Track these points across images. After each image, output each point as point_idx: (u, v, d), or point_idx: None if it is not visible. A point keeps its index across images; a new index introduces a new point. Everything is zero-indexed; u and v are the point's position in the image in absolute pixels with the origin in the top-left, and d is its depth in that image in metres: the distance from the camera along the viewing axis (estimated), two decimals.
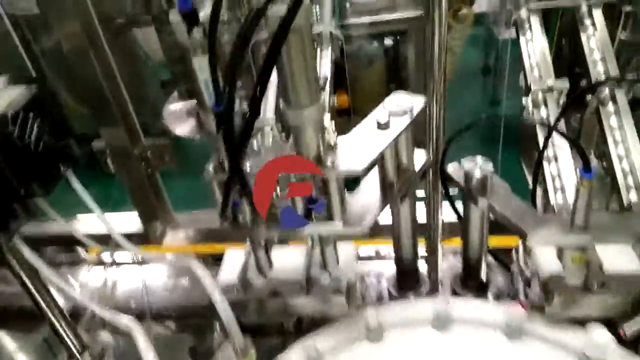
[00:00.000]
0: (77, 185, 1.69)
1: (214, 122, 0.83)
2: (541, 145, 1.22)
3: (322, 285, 1.06)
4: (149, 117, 2.13)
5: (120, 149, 1.76)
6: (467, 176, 0.99)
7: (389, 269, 1.67)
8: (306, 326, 1.14)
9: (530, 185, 1.58)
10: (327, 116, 0.85)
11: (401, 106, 0.91)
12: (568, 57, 1.57)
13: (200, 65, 0.75)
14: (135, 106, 1.78)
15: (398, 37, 2.61)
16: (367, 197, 0.96)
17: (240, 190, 0.71)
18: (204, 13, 0.72)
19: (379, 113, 0.90)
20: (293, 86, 0.75)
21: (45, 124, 1.61)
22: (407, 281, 1.26)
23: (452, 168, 1.03)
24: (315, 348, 0.96)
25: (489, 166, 0.98)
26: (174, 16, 0.71)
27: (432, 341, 0.99)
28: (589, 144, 1.49)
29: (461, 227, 1.12)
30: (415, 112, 0.92)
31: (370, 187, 0.98)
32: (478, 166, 0.99)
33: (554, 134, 1.21)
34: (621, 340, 0.89)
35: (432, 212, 1.15)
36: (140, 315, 1.90)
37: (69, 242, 2.02)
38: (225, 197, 0.79)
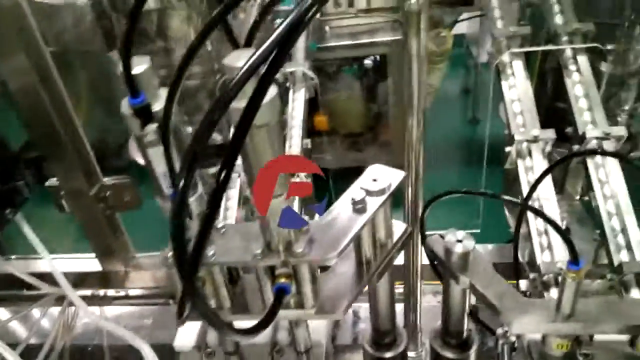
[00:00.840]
0: (25, 228, 1.64)
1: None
2: (525, 195, 1.22)
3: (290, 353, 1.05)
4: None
5: (75, 190, 1.70)
6: (447, 251, 0.98)
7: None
8: None
9: (511, 228, 1.59)
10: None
11: (378, 183, 0.89)
12: (547, 99, 1.59)
13: (156, 156, 0.72)
14: (106, 130, 1.74)
15: (378, 59, 2.61)
16: (341, 279, 0.94)
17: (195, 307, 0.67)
18: (159, 106, 0.68)
19: (354, 192, 0.88)
20: None
21: None
22: (383, 338, 1.25)
23: (432, 240, 1.02)
24: None
25: (471, 242, 0.97)
26: (126, 109, 0.68)
27: None
28: (574, 190, 1.50)
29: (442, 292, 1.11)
30: (393, 188, 0.90)
31: (345, 266, 0.96)
32: (459, 241, 0.98)
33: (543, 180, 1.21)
34: None
35: (412, 277, 1.14)
36: (99, 356, 1.87)
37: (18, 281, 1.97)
38: (180, 307, 0.76)
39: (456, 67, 4.22)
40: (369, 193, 0.89)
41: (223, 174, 0.60)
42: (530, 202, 1.27)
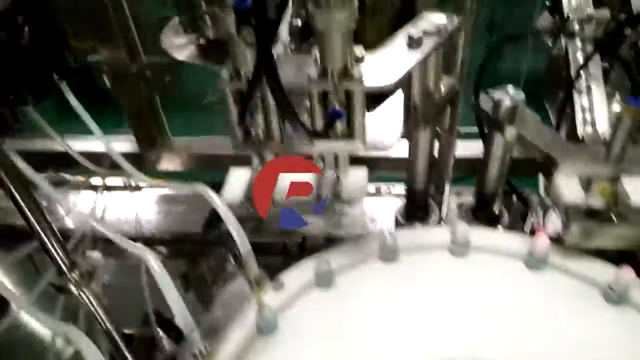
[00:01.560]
0: (72, 98, 1.63)
1: (233, 23, 0.79)
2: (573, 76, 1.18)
3: (332, 206, 1.06)
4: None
5: (118, 65, 1.70)
6: (496, 104, 0.97)
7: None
8: (309, 247, 1.14)
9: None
10: None
11: (434, 24, 0.87)
12: None
13: None
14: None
15: None
16: (389, 118, 0.94)
17: (272, 84, 0.68)
18: None
19: (411, 30, 0.86)
20: None
21: (38, 27, 1.54)
22: (415, 211, 1.27)
23: (481, 98, 1.01)
24: (326, 263, 0.96)
25: (520, 95, 0.95)
26: None
27: (448, 265, 0.99)
28: (620, 83, 1.45)
29: (482, 156, 1.11)
30: (449, 31, 0.89)
31: (393, 109, 0.96)
32: (508, 95, 0.97)
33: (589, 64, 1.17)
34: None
35: (447, 142, 1.13)
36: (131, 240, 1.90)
37: (58, 162, 1.99)
38: (250, 91, 0.75)
39: None
40: (425, 32, 0.87)
41: None
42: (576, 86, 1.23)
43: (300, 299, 0.99)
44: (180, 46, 1.75)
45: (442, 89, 1.00)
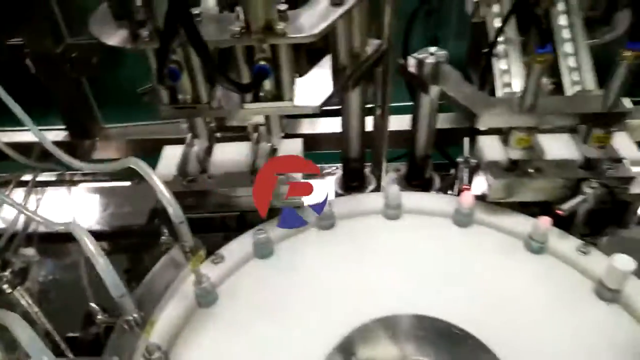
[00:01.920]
0: None
1: None
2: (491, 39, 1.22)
3: None
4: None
5: (41, 47, 1.59)
6: (420, 64, 0.98)
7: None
8: (249, 221, 1.12)
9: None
10: None
11: None
12: None
13: None
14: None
15: None
16: (317, 80, 0.93)
17: (192, 42, 0.64)
18: None
19: None
20: None
21: None
22: (353, 181, 1.27)
23: (408, 60, 1.02)
24: (265, 234, 0.95)
25: (442, 53, 0.97)
26: None
27: (382, 228, 1.02)
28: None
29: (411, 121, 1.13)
30: None
31: (321, 72, 0.95)
32: (430, 54, 0.98)
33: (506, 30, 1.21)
34: (558, 218, 0.95)
35: (382, 101, 1.13)
36: (69, 237, 1.80)
37: None
38: (163, 42, 0.71)
39: None
40: None
41: None
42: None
43: (240, 270, 0.99)
44: (110, 31, 1.66)
45: (369, 49, 1.00)
